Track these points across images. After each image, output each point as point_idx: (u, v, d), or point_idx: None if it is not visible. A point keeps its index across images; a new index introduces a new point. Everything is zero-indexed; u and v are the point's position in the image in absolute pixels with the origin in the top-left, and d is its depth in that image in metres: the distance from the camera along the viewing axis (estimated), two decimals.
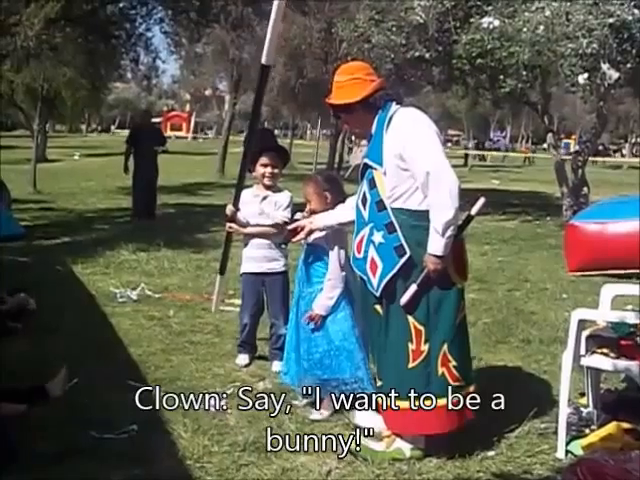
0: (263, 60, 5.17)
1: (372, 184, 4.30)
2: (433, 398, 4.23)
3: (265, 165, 5.81)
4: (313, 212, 4.98)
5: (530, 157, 50.70)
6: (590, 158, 16.93)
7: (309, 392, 4.97)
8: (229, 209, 5.83)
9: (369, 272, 4.31)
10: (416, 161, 4.13)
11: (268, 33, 5.04)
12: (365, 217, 4.34)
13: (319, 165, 27.72)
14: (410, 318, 4.21)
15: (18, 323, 6.73)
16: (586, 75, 12.30)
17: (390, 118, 4.28)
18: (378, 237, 4.24)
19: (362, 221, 4.36)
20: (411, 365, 4.24)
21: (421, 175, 4.11)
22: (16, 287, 7.35)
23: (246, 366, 5.96)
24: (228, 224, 5.92)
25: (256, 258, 5.93)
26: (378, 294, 4.30)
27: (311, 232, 4.83)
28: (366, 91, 4.33)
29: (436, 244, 4.09)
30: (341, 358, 4.87)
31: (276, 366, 5.75)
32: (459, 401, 4.28)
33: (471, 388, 4.39)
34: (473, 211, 4.34)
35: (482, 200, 4.34)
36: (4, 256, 9.80)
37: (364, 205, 4.35)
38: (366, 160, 4.40)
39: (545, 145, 27.99)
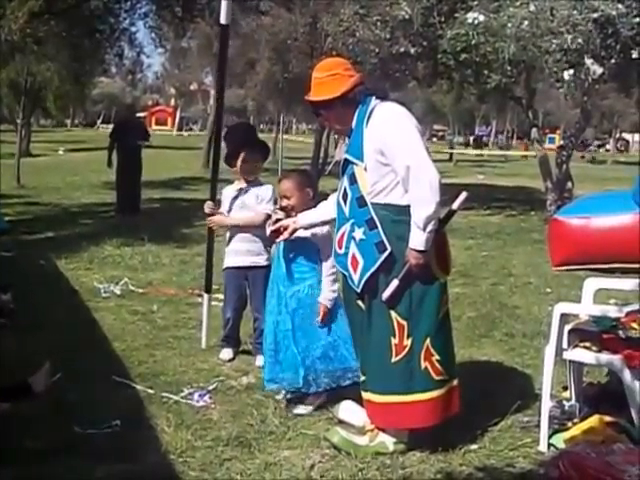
0: (222, 20, 5.51)
1: (353, 180, 4.29)
2: (417, 392, 4.24)
3: (246, 160, 5.85)
4: (292, 208, 4.98)
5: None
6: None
7: (297, 388, 4.96)
8: (207, 205, 5.89)
9: (350, 268, 4.30)
10: (396, 156, 4.13)
11: None
12: (346, 213, 4.33)
13: (301, 160, 27.68)
14: (393, 313, 4.20)
15: (1, 319, 6.70)
16: (572, 71, 12.34)
17: (370, 112, 4.26)
18: (359, 233, 4.23)
19: (343, 217, 4.36)
20: (394, 360, 4.24)
21: (401, 170, 4.11)
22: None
23: (230, 361, 5.96)
24: (208, 219, 5.95)
25: (239, 252, 5.93)
26: (359, 290, 4.30)
27: (294, 231, 4.81)
28: (345, 86, 4.31)
29: (417, 239, 4.09)
30: (343, 348, 4.87)
31: (259, 360, 5.73)
32: (443, 395, 4.30)
33: (454, 382, 4.39)
34: (455, 205, 4.35)
35: (464, 195, 4.35)
36: None
37: (345, 201, 4.34)
38: (346, 155, 4.38)
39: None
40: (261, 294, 5.82)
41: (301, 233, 4.88)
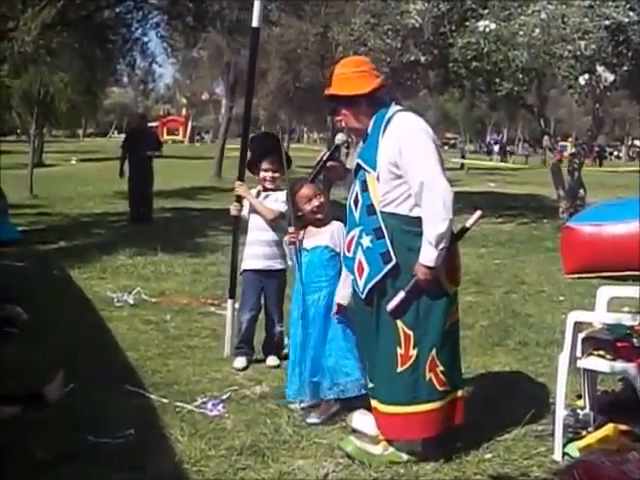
0: (254, 23, 5.67)
1: (364, 186, 4.26)
2: (420, 403, 4.23)
3: (267, 170, 6.00)
4: (322, 206, 5.05)
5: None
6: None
7: (310, 397, 4.98)
8: (238, 183, 6.11)
9: (356, 273, 4.31)
10: (411, 170, 4.10)
11: None
12: (356, 218, 4.31)
13: (309, 169, 27.65)
14: (399, 323, 4.19)
15: (14, 328, 6.72)
16: (586, 76, 12.33)
17: (388, 121, 4.21)
18: (366, 241, 4.21)
19: (353, 221, 4.35)
20: (399, 370, 4.23)
21: (415, 185, 4.09)
22: (7, 297, 7.27)
23: (244, 369, 5.97)
24: (234, 204, 6.10)
25: (256, 255, 6.04)
26: (363, 297, 4.29)
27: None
28: (373, 84, 4.28)
29: (428, 255, 4.07)
30: (352, 360, 4.87)
31: (270, 360, 5.94)
32: (444, 406, 4.28)
33: (459, 393, 4.37)
34: (468, 223, 4.35)
35: (478, 213, 4.34)
36: (0, 261, 9.80)
37: (356, 205, 4.32)
38: (359, 160, 4.34)
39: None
40: (274, 297, 5.96)
41: (321, 241, 4.93)
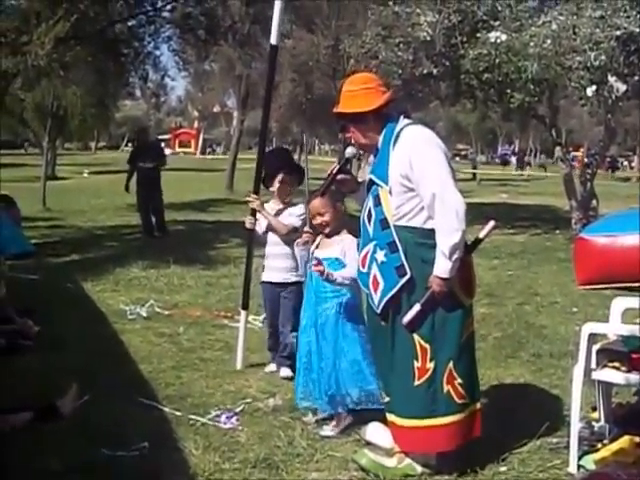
0: (272, 40, 5.63)
1: (377, 201, 4.28)
2: (438, 416, 4.22)
3: (281, 182, 6.11)
4: (326, 224, 5.03)
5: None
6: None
7: (324, 409, 4.98)
8: (253, 197, 6.13)
9: (371, 288, 4.31)
10: (422, 183, 4.11)
11: (275, 14, 5.39)
12: (370, 233, 4.32)
13: (322, 181, 27.69)
14: (415, 336, 4.19)
15: (29, 341, 6.75)
16: (594, 87, 12.30)
17: (398, 134, 4.23)
18: (381, 255, 4.22)
19: (367, 237, 4.35)
20: (417, 383, 4.23)
21: (427, 197, 4.10)
22: (23, 309, 7.30)
23: (271, 373, 6.17)
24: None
25: (273, 268, 6.21)
26: (379, 311, 4.30)
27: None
28: (380, 100, 4.30)
29: (442, 266, 4.07)
30: (365, 372, 4.87)
31: (283, 372, 6.05)
32: (464, 419, 4.28)
33: (477, 405, 4.37)
34: (482, 234, 4.34)
35: (492, 224, 4.34)
36: (14, 274, 9.83)
37: (369, 221, 4.33)
38: (371, 176, 4.36)
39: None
40: (288, 309, 6.05)
41: (332, 253, 4.94)
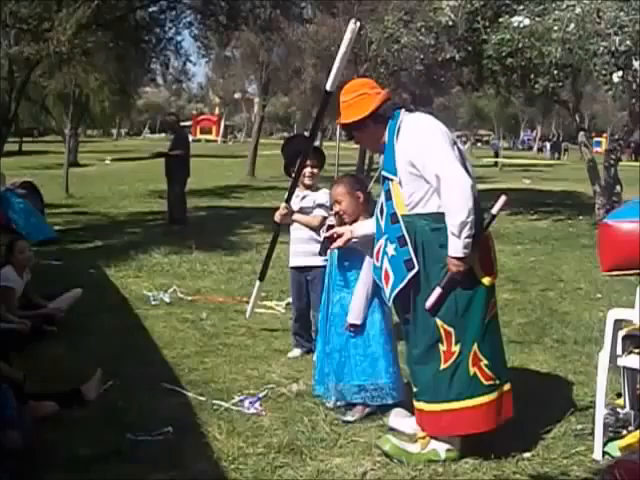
0: (327, 86, 5.34)
1: (388, 195, 4.33)
2: (466, 399, 4.22)
3: (305, 166, 6.00)
4: (344, 213, 4.98)
5: None
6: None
7: (341, 396, 4.98)
8: (283, 206, 5.96)
9: (383, 282, 4.36)
10: (426, 166, 4.14)
11: (337, 60, 5.20)
12: (382, 227, 4.38)
13: (346, 167, 27.71)
14: (438, 321, 4.20)
15: (53, 327, 6.79)
16: (620, 73, 12.18)
17: (399, 126, 4.30)
18: (391, 249, 4.27)
19: (380, 231, 4.41)
20: (443, 367, 4.23)
21: (432, 179, 4.12)
22: (49, 294, 7.36)
23: (295, 359, 6.19)
24: (278, 214, 5.99)
25: (298, 253, 6.26)
26: (390, 304, 4.40)
27: (349, 240, 4.83)
28: (374, 104, 4.37)
29: (455, 246, 4.08)
30: (380, 365, 4.87)
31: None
32: (493, 400, 4.27)
33: (506, 386, 4.35)
34: (494, 210, 4.33)
35: (503, 198, 4.34)
36: (38, 259, 9.90)
37: (382, 215, 4.39)
38: (383, 172, 4.41)
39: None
40: (318, 293, 5.95)
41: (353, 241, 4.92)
